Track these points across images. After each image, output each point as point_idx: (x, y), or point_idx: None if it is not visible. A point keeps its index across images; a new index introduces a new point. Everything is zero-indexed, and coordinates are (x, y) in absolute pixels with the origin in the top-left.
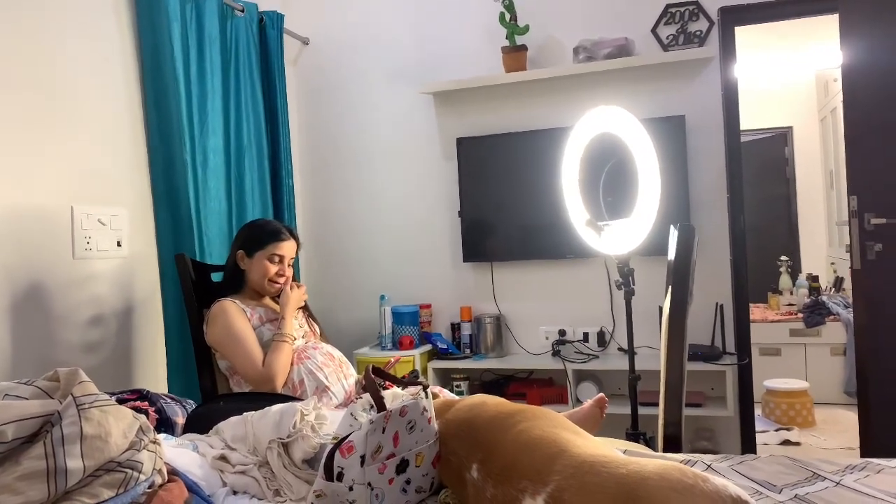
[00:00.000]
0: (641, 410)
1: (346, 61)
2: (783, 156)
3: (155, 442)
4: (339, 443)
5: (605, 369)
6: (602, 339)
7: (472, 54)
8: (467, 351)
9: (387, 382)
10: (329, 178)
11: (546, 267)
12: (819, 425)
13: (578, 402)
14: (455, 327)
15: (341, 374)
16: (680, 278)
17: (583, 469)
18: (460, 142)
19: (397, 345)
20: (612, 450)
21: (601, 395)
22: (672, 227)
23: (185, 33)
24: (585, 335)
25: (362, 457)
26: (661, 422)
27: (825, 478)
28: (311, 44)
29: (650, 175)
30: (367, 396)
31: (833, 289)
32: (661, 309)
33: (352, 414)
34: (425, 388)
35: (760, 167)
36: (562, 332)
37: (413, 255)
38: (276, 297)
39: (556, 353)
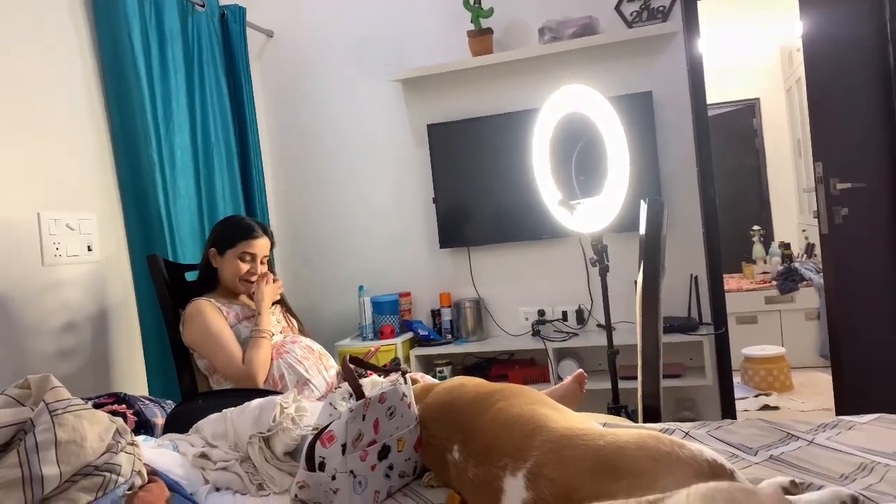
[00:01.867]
0: (622, 384)
1: (313, 53)
2: (752, 127)
3: (133, 444)
4: (320, 433)
5: (585, 346)
6: (581, 317)
7: (439, 40)
8: (448, 336)
9: (368, 371)
10: (301, 171)
11: (523, 249)
12: (797, 389)
13: (560, 379)
14: (435, 314)
15: (322, 367)
16: (651, 252)
17: (561, 443)
18: (431, 128)
19: (378, 334)
20: (591, 422)
21: (580, 370)
22: (642, 202)
23: (145, 30)
24: (564, 314)
25: (343, 445)
26: (639, 394)
27: (798, 437)
28: (276, 37)
29: (619, 152)
30: (346, 385)
31: (805, 255)
32: (636, 283)
33: (331, 403)
34: (404, 374)
35: (730, 139)
36: (541, 313)
37: (390, 244)
38: (252, 294)
39: (536, 333)
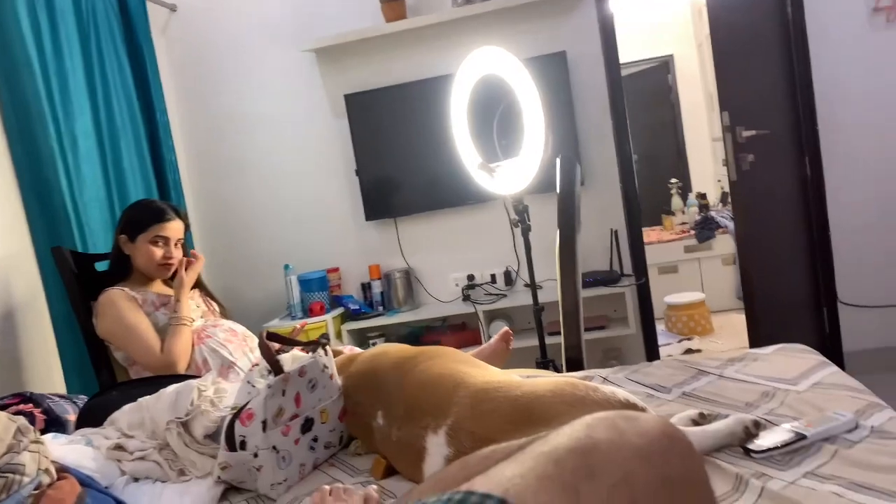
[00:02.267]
0: (549, 340)
1: (220, 26)
2: (667, 83)
3: (37, 441)
4: (238, 411)
5: (514, 306)
6: (509, 278)
7: (351, 7)
8: (380, 308)
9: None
10: (216, 150)
11: (449, 216)
12: (717, 331)
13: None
14: (366, 287)
15: (247, 349)
16: (566, 207)
17: (479, 397)
18: (348, 98)
19: (308, 312)
20: (509, 375)
21: (505, 329)
22: (557, 160)
23: (33, 9)
24: (493, 276)
25: (264, 422)
26: (563, 347)
27: (709, 373)
28: (179, 10)
29: (534, 113)
30: (264, 362)
31: (720, 203)
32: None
33: (249, 381)
34: (324, 346)
35: (646, 96)
36: (470, 277)
37: (314, 220)
38: (171, 279)
39: (466, 298)
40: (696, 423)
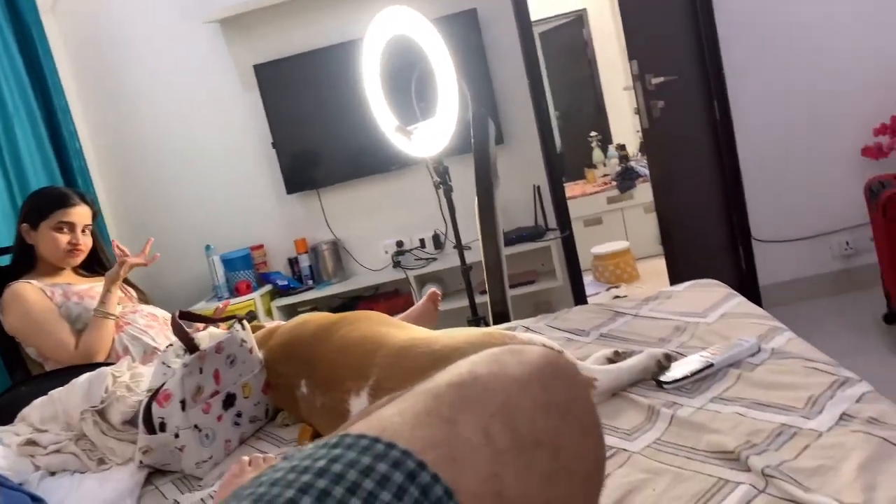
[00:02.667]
0: (480, 299)
1: (113, 1)
2: (582, 38)
3: None
4: (155, 393)
5: (445, 268)
6: (438, 242)
7: None
8: (310, 282)
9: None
10: (124, 132)
11: (373, 183)
12: (642, 277)
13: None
14: (293, 262)
15: (169, 332)
16: (480, 163)
17: (399, 355)
18: (259, 69)
19: (234, 292)
20: (429, 332)
21: (432, 290)
22: (469, 117)
23: None
24: (422, 241)
25: (182, 401)
26: (489, 302)
27: (625, 314)
28: None
29: (446, 72)
30: (179, 342)
31: (640, 153)
32: None
33: (164, 362)
34: (241, 320)
35: (563, 52)
36: (399, 244)
37: (233, 197)
38: (83, 267)
39: (396, 265)
40: (611, 361)
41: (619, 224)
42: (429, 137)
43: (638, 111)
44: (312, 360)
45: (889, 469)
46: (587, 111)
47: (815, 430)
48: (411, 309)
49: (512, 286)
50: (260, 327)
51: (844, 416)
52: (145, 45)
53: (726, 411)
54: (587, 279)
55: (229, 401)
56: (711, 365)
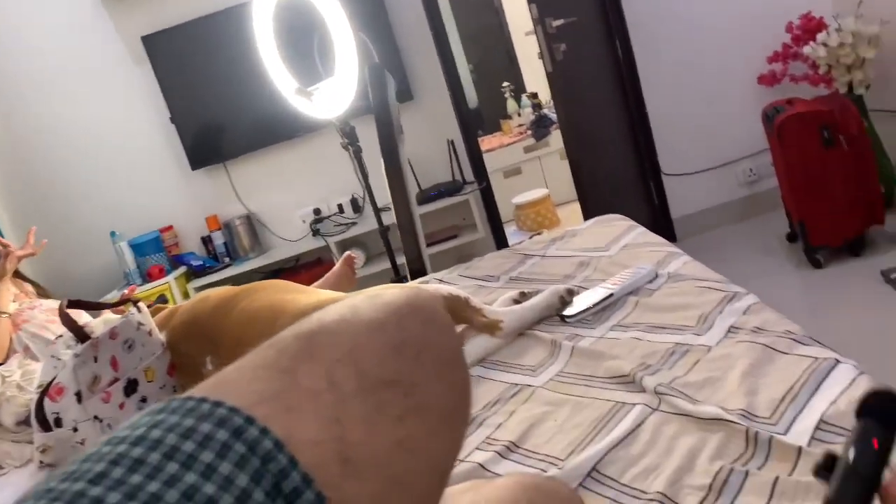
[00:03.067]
0: (400, 258)
1: None
2: None
3: None
4: (45, 389)
5: (366, 232)
6: (356, 206)
7: None
8: (226, 260)
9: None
10: (10, 119)
11: (282, 151)
12: (563, 221)
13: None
14: (206, 240)
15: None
16: (381, 119)
17: (298, 320)
18: (147, 41)
19: (147, 278)
20: (336, 294)
21: (347, 253)
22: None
23: None
24: (340, 206)
25: (77, 393)
26: (406, 260)
27: (534, 255)
28: None
29: (340, 28)
30: (68, 332)
31: (553, 100)
32: None
33: (53, 356)
34: (136, 303)
35: (465, 4)
36: (317, 211)
37: (135, 179)
38: None
39: (316, 233)
40: (517, 301)
41: (537, 172)
42: (330, 98)
43: (541, 55)
44: (215, 336)
45: (770, 373)
46: (499, 61)
47: (705, 345)
48: (328, 274)
49: (435, 242)
50: (161, 308)
51: (732, 329)
52: (24, 24)
53: (625, 337)
54: (511, 229)
55: (131, 387)
56: (611, 295)
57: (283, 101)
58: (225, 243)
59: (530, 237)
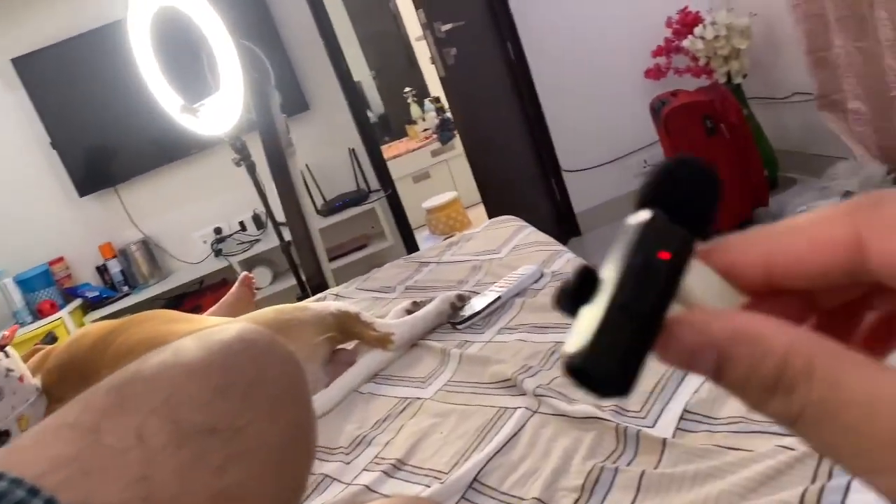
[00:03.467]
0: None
1: None
2: None
3: None
4: None
5: (270, 248)
6: (259, 222)
7: None
8: (125, 288)
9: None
10: None
11: (176, 170)
12: (475, 222)
13: (257, 289)
14: (102, 269)
15: None
16: (266, 133)
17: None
18: (18, 63)
19: (37, 315)
20: (220, 320)
21: (244, 273)
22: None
23: None
24: (242, 224)
25: None
26: (304, 277)
27: (430, 262)
28: None
29: (221, 42)
30: None
31: (449, 104)
32: None
33: None
34: (2, 348)
35: (367, 8)
36: (218, 230)
37: (16, 211)
38: None
39: (218, 253)
40: (410, 312)
41: (446, 175)
42: (218, 113)
43: (433, 60)
44: (92, 376)
45: (647, 364)
46: (401, 66)
47: None
48: (224, 298)
49: (344, 253)
50: (36, 350)
51: None
52: None
53: (511, 340)
54: (424, 234)
55: (3, 438)
56: (499, 298)
57: (173, 120)
58: (122, 271)
59: (444, 240)
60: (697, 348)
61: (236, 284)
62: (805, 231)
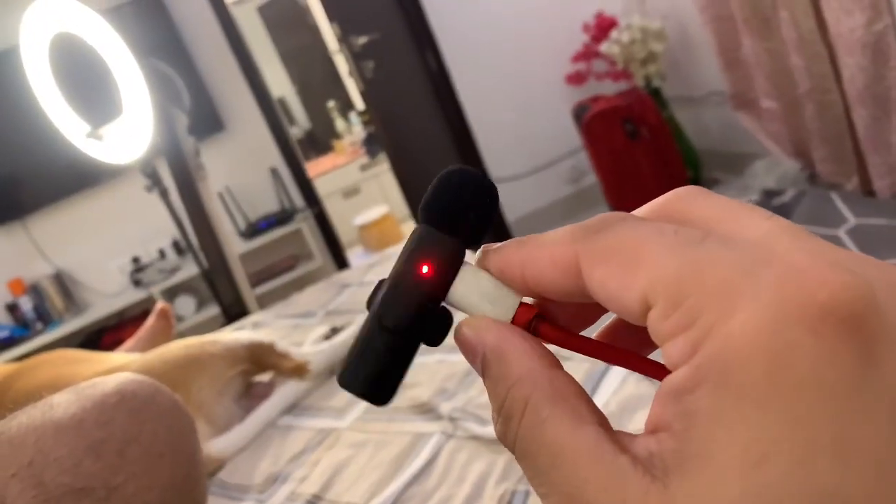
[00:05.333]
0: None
1: None
2: (299, 6)
3: None
4: None
5: (192, 276)
6: (179, 248)
7: None
8: (38, 326)
9: None
10: None
11: (87, 199)
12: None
13: (181, 319)
14: (12, 307)
15: None
16: (172, 157)
17: None
18: None
19: None
20: (126, 358)
21: (161, 305)
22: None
23: None
24: (161, 251)
25: None
26: (222, 307)
27: (350, 285)
28: None
29: (122, 64)
30: None
31: (371, 118)
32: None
33: None
34: None
35: (285, 23)
36: (135, 259)
37: None
38: None
39: (137, 283)
40: (328, 338)
41: (376, 190)
42: (125, 138)
43: (351, 73)
44: None
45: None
46: (321, 80)
47: None
48: (140, 331)
49: (272, 276)
50: None
51: None
52: None
53: (430, 361)
54: (358, 251)
55: None
56: None
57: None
58: (35, 307)
59: (367, 261)
60: (472, 352)
61: (152, 316)
62: (547, 249)
